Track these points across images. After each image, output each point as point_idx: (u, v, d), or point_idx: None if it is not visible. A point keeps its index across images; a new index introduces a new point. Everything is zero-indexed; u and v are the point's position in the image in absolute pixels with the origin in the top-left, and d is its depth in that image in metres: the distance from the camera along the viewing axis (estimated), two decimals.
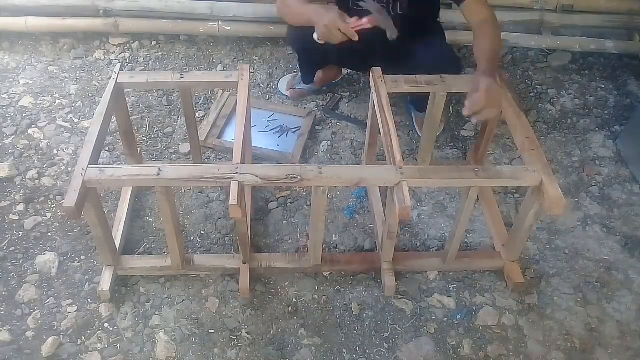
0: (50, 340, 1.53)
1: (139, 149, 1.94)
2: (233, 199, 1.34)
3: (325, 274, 1.73)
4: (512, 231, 1.70)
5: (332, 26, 1.54)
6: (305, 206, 1.90)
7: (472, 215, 1.69)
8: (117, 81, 1.65)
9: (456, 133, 2.20)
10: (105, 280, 1.63)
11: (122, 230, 1.76)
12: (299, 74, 2.28)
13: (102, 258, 1.64)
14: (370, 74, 1.73)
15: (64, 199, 1.87)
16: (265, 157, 2.05)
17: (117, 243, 1.69)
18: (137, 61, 2.44)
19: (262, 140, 2.11)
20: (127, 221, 1.80)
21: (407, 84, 1.70)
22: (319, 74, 2.23)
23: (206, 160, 2.04)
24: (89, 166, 1.43)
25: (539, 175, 1.47)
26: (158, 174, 1.41)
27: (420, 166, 1.81)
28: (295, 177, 1.42)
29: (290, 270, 1.72)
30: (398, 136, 1.56)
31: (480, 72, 1.55)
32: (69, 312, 1.61)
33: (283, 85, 2.31)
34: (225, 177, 1.40)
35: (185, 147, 2.07)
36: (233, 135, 1.96)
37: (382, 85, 1.68)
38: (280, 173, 1.44)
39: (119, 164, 2.00)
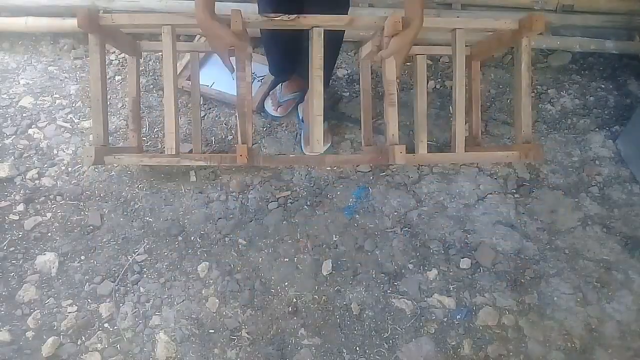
0: (50, 340, 1.53)
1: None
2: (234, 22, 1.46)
3: (325, 271, 1.73)
4: (514, 104, 1.74)
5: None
6: (305, 206, 1.90)
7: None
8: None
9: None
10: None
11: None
12: (276, 86, 2.22)
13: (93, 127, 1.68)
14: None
15: (64, 199, 1.88)
16: (223, 100, 2.14)
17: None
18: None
19: (224, 85, 2.17)
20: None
21: None
22: (285, 86, 2.17)
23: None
24: None
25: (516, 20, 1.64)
26: None
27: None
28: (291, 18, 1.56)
29: (290, 160, 1.76)
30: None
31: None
32: (69, 312, 1.61)
33: (269, 107, 2.21)
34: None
35: (185, 147, 2.07)
36: (204, 79, 2.18)
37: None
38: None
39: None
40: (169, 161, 1.67)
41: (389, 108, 1.63)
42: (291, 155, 1.70)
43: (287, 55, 2.07)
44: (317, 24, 1.58)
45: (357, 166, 2.03)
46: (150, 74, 2.30)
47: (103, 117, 1.67)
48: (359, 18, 1.61)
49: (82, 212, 1.85)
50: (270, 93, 2.24)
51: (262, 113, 2.22)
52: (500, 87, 2.32)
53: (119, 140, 2.09)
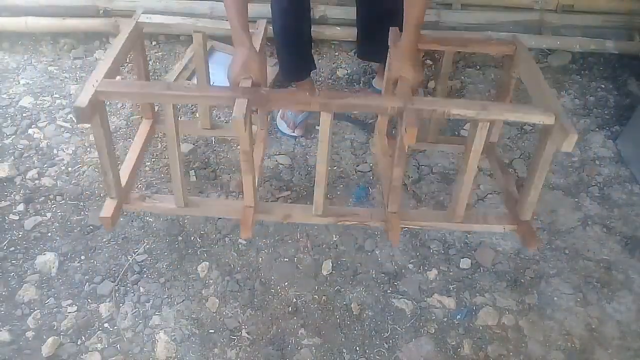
0: (50, 340, 1.53)
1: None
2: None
3: (325, 271, 1.73)
4: (525, 183, 1.53)
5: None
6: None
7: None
8: (138, 21, 1.62)
9: (456, 133, 2.20)
10: (107, 208, 1.49)
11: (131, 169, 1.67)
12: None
13: (105, 188, 1.52)
14: None
15: (64, 199, 1.88)
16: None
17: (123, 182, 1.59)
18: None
19: (224, 84, 2.18)
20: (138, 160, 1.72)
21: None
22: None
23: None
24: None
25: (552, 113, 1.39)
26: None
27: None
28: None
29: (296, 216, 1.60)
30: None
31: (405, 46, 1.48)
32: (69, 312, 1.61)
33: (284, 127, 2.13)
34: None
35: (185, 147, 2.07)
36: None
37: None
38: None
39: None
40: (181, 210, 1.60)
41: (393, 189, 1.53)
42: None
43: (305, 50, 1.90)
44: None
45: (358, 165, 2.03)
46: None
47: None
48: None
49: (82, 212, 1.85)
50: (279, 113, 2.13)
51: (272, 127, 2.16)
52: (501, 87, 2.32)
53: (119, 139, 2.09)
